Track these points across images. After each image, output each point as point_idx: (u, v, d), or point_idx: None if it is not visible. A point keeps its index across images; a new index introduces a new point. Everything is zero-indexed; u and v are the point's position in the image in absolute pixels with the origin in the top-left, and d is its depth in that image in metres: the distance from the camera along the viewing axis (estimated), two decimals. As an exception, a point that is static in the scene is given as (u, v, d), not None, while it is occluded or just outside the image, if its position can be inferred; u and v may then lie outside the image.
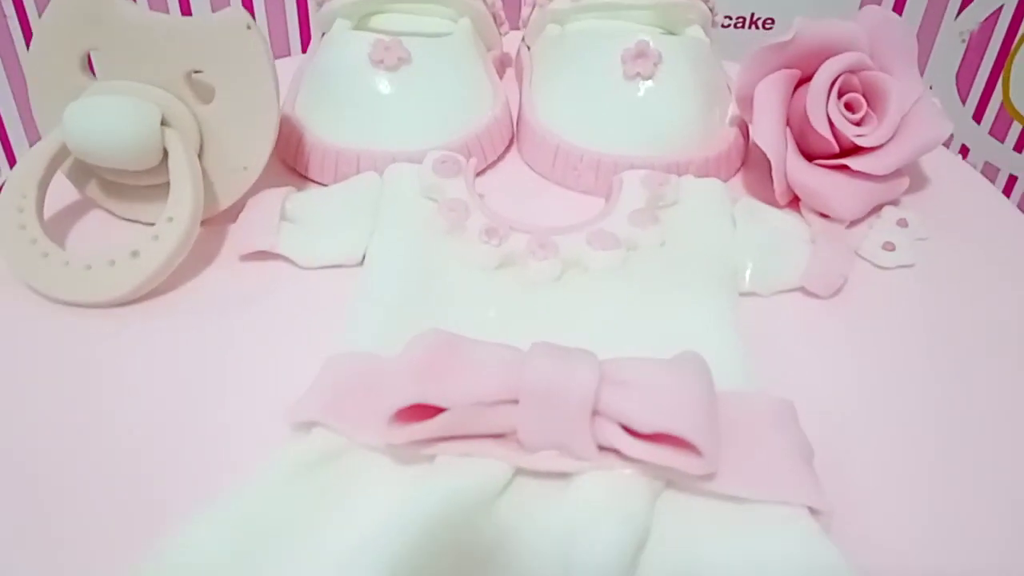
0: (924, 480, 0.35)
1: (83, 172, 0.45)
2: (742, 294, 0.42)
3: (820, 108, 0.46)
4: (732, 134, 0.50)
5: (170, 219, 0.41)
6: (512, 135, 0.53)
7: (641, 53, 0.49)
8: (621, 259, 0.42)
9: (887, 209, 0.48)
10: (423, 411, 0.32)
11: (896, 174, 0.47)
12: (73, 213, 0.47)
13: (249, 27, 0.43)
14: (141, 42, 0.43)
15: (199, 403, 0.36)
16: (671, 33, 0.54)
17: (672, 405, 0.31)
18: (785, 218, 0.45)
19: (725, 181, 0.50)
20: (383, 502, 0.32)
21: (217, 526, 0.30)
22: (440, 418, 0.32)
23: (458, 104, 0.50)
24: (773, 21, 0.92)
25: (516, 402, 0.32)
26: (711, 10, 0.57)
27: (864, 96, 0.47)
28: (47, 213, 0.46)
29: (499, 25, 0.58)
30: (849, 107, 0.47)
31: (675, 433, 0.30)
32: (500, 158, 0.53)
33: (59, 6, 0.44)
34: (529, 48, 0.58)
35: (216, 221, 0.45)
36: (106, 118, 0.42)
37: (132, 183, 0.44)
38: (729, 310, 0.40)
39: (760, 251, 0.43)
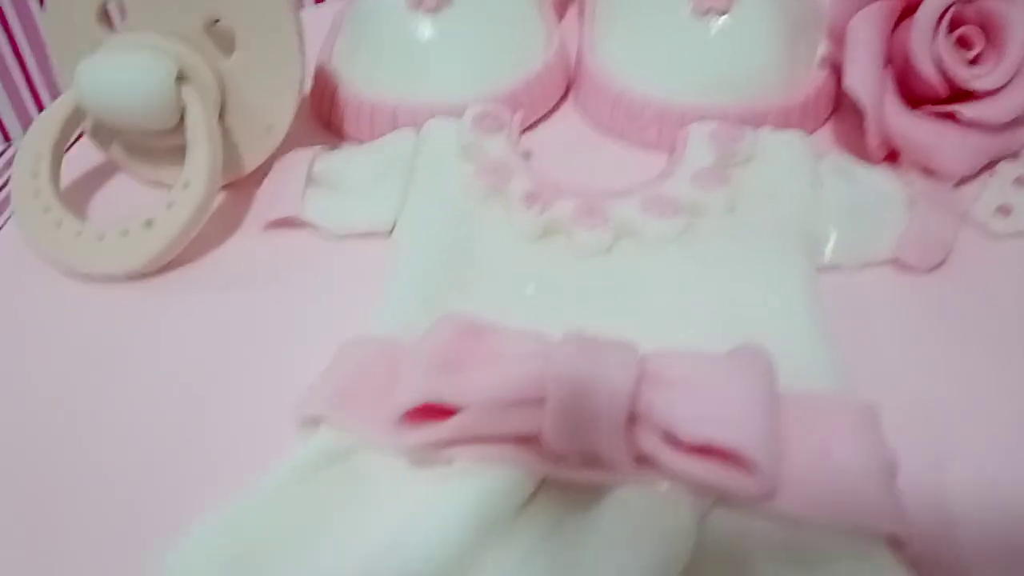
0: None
1: (106, 133, 0.43)
2: (825, 268, 0.36)
3: (926, 45, 0.39)
4: (820, 77, 0.44)
5: (186, 185, 0.38)
6: (568, 83, 0.48)
7: (714, -17, 0.42)
8: (681, 228, 0.37)
9: (1004, 165, 0.40)
10: (438, 409, 0.28)
11: (1016, 123, 0.40)
12: (98, 176, 0.44)
13: (268, -29, 0.38)
14: (163, -11, 0.40)
15: (210, 392, 0.34)
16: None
17: (724, 411, 0.26)
18: (879, 177, 0.39)
19: (811, 132, 0.44)
20: (394, 513, 0.28)
21: (217, 538, 0.27)
22: (455, 419, 0.28)
23: (506, 50, 0.45)
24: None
25: (542, 401, 0.27)
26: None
27: (980, 29, 0.40)
28: (70, 175, 0.44)
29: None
30: (962, 43, 0.40)
31: (726, 446, 0.26)
32: (554, 109, 0.47)
33: (73, -46, 0.40)
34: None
35: (243, 184, 0.42)
36: (118, 75, 0.39)
37: (155, 144, 0.41)
38: (808, 289, 0.34)
39: (847, 216, 0.37)
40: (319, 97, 0.47)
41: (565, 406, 0.27)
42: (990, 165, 0.41)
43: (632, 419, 0.27)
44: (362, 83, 0.45)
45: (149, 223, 0.38)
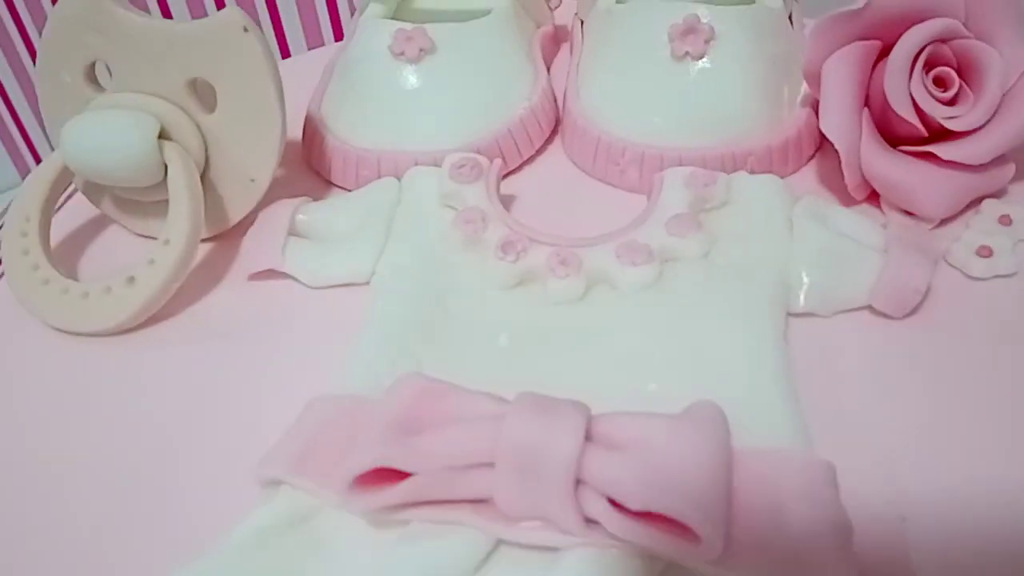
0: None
1: (96, 188, 0.44)
2: (798, 314, 0.36)
3: (901, 86, 0.38)
4: (803, 116, 0.43)
5: (166, 242, 0.39)
6: (557, 122, 0.48)
7: (690, 29, 0.42)
8: (654, 276, 0.37)
9: (988, 203, 0.40)
10: (393, 472, 0.28)
11: (999, 161, 0.39)
12: (92, 226, 0.45)
13: (246, 29, 0.39)
14: (142, 50, 0.41)
15: (182, 449, 0.34)
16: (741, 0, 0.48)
17: (670, 477, 0.26)
18: (855, 221, 0.38)
19: (795, 170, 0.44)
20: (353, 574, 0.29)
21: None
22: (406, 483, 0.28)
23: (489, 96, 0.45)
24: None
25: (493, 466, 0.27)
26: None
27: (958, 69, 0.39)
28: (67, 226, 0.45)
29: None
30: (939, 83, 0.39)
31: (668, 514, 0.25)
32: (543, 148, 0.48)
33: (59, 18, 0.42)
34: (583, 23, 0.52)
35: (229, 235, 0.43)
36: (101, 135, 0.40)
37: (143, 198, 0.42)
38: (776, 340, 0.34)
39: (820, 263, 0.36)
40: (309, 144, 0.47)
41: (514, 471, 0.27)
42: (975, 203, 0.40)
43: (580, 482, 0.27)
44: (347, 132, 0.46)
45: (131, 280, 0.38)
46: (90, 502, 0.33)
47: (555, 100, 0.49)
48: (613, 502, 0.26)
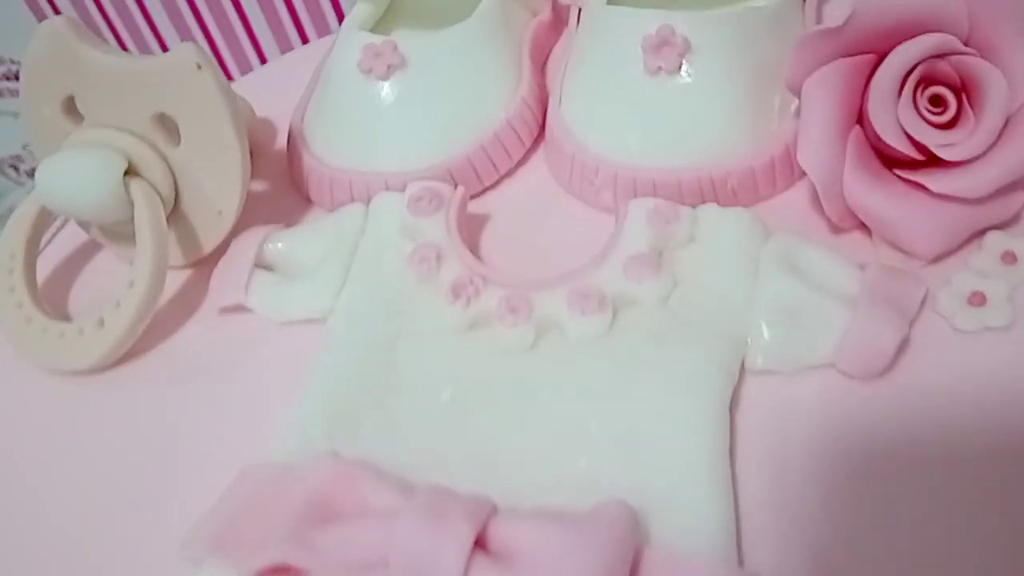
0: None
1: (83, 217, 0.45)
2: (757, 373, 0.34)
3: (888, 110, 0.34)
4: (790, 132, 0.39)
5: (131, 284, 0.39)
6: (543, 130, 0.46)
7: (664, 42, 0.39)
8: (605, 326, 0.35)
9: (992, 237, 0.36)
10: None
11: (1001, 192, 0.35)
12: (86, 252, 0.47)
13: (200, 66, 0.39)
14: (110, 86, 0.41)
15: (141, 494, 0.36)
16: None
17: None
18: (830, 262, 0.35)
19: (785, 188, 0.40)
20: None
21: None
22: (304, 580, 0.28)
23: (462, 111, 0.43)
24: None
25: (387, 566, 0.27)
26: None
27: (962, 84, 0.35)
28: (60, 253, 0.46)
29: (547, -16, 0.50)
30: (936, 102, 0.35)
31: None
32: (526, 159, 0.45)
33: (31, 56, 0.42)
34: (580, 12, 0.49)
35: (204, 262, 0.43)
36: (69, 176, 0.40)
37: (124, 229, 0.43)
38: (721, 411, 0.32)
39: (782, 317, 0.34)
40: (290, 160, 0.47)
41: (405, 574, 0.27)
42: (979, 233, 0.36)
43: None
44: (322, 150, 0.45)
45: (100, 323, 0.39)
46: (48, 540, 0.35)
47: (540, 105, 0.46)
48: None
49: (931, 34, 0.34)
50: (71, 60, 0.41)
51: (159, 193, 0.41)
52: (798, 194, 0.40)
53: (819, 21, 0.46)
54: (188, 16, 0.97)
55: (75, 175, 0.40)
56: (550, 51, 0.51)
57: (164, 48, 0.98)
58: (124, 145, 0.41)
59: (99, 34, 0.99)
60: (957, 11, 0.34)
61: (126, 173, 0.40)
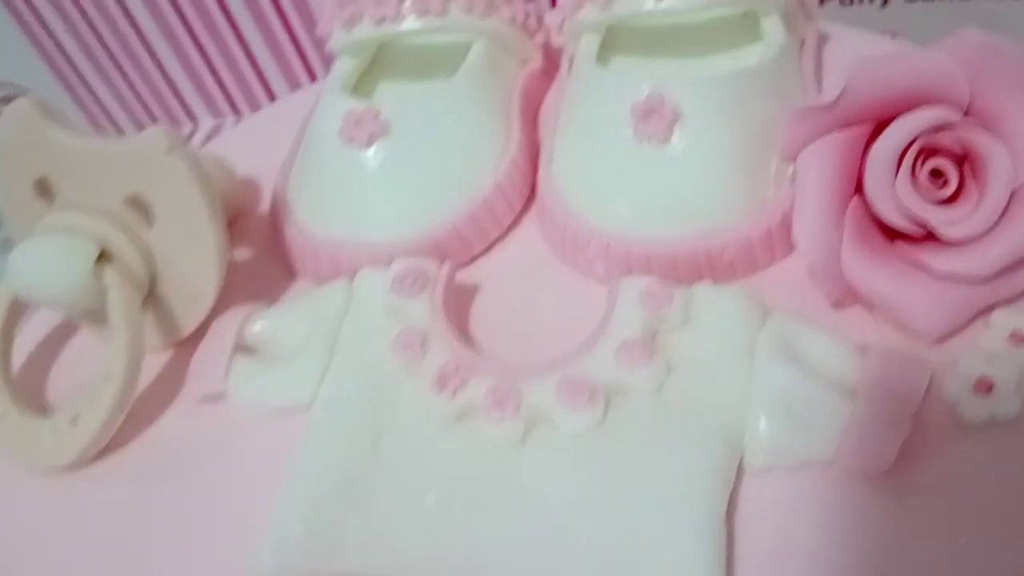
0: None
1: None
2: (756, 470, 0.32)
3: (885, 187, 0.33)
4: (788, 198, 0.38)
5: (106, 378, 0.38)
6: (534, 189, 0.44)
7: (653, 110, 0.37)
8: (596, 419, 0.34)
9: (1000, 315, 0.34)
10: None
11: (1014, 265, 0.33)
12: (63, 332, 0.46)
13: (170, 150, 0.37)
14: (81, 168, 0.40)
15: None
16: (736, 44, 0.42)
17: None
18: (830, 348, 0.34)
19: (784, 256, 0.39)
20: None
21: None
22: None
23: (448, 177, 0.42)
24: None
25: None
26: (798, -10, 0.43)
27: (963, 156, 0.33)
28: (39, 333, 0.45)
29: (532, 34, 0.48)
30: (937, 174, 0.33)
31: None
32: (518, 221, 0.44)
33: (1, 136, 0.41)
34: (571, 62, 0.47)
35: (184, 345, 0.42)
36: (39, 265, 0.39)
37: (101, 311, 0.42)
38: (717, 517, 0.31)
39: (780, 412, 0.32)
40: (272, 228, 0.46)
41: None
42: (986, 309, 0.34)
43: None
44: (306, 219, 0.44)
45: (75, 419, 0.38)
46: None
47: (531, 163, 0.44)
48: None
49: (929, 108, 0.32)
50: (40, 141, 0.40)
51: (133, 277, 0.40)
52: (798, 261, 0.38)
53: (818, 72, 0.44)
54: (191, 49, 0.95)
55: (45, 264, 0.39)
56: (542, 100, 0.49)
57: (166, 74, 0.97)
58: (96, 229, 0.39)
59: (99, 67, 0.98)
60: (956, 81, 0.32)
61: (99, 258, 0.39)
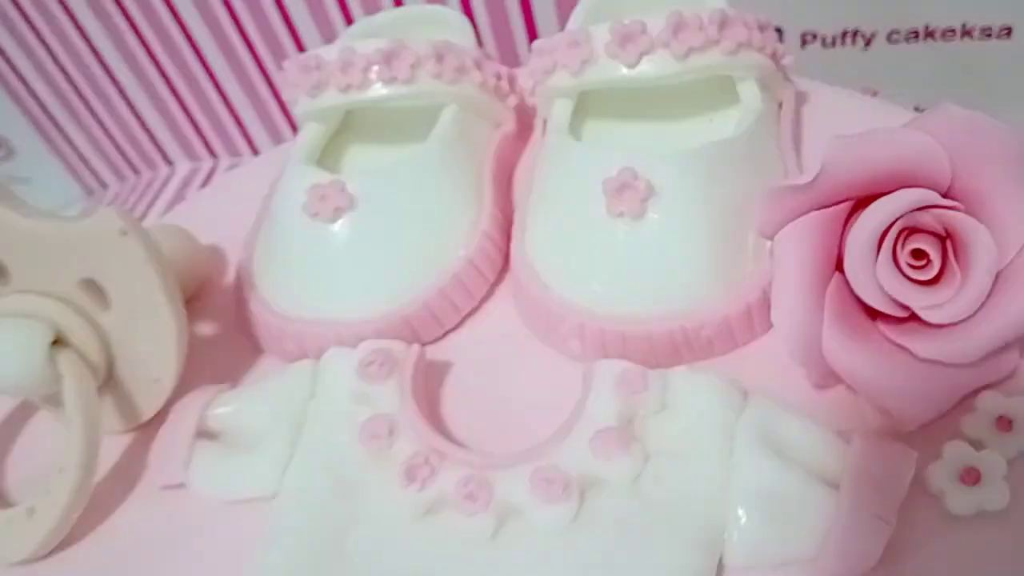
0: None
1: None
2: (736, 569, 0.31)
3: (866, 269, 0.32)
4: (767, 275, 0.37)
5: (61, 469, 0.37)
6: (507, 259, 0.43)
7: (626, 185, 0.36)
8: (571, 515, 0.32)
9: (986, 398, 0.32)
10: None
11: (999, 349, 0.32)
12: (21, 413, 0.44)
13: (124, 232, 0.36)
14: (35, 250, 0.38)
15: None
16: (713, 107, 0.41)
17: None
18: (811, 436, 0.32)
19: (764, 332, 0.37)
20: None
21: None
22: None
23: (417, 252, 0.41)
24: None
25: None
26: (773, 54, 0.42)
27: (945, 235, 0.32)
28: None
29: (505, 97, 0.47)
30: (919, 255, 0.32)
31: None
32: (491, 292, 0.43)
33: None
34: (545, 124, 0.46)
35: (147, 425, 0.40)
36: (-8, 350, 0.37)
37: (58, 395, 0.40)
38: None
39: (761, 504, 0.31)
40: (236, 302, 0.44)
41: None
42: (973, 393, 0.33)
43: None
44: (270, 294, 0.42)
45: (31, 512, 0.37)
46: None
47: (504, 233, 0.43)
48: None
49: (909, 190, 0.31)
50: (-6, 222, 0.38)
51: (89, 362, 0.38)
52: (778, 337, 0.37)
53: (796, 135, 0.43)
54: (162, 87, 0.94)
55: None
56: (516, 162, 0.48)
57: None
58: (50, 313, 0.38)
59: (72, 111, 0.97)
60: (938, 160, 0.31)
61: (54, 343, 0.38)
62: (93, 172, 1.04)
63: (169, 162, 1.01)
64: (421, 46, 0.43)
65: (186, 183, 0.99)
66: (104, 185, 1.06)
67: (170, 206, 0.97)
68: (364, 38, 0.46)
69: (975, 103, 0.74)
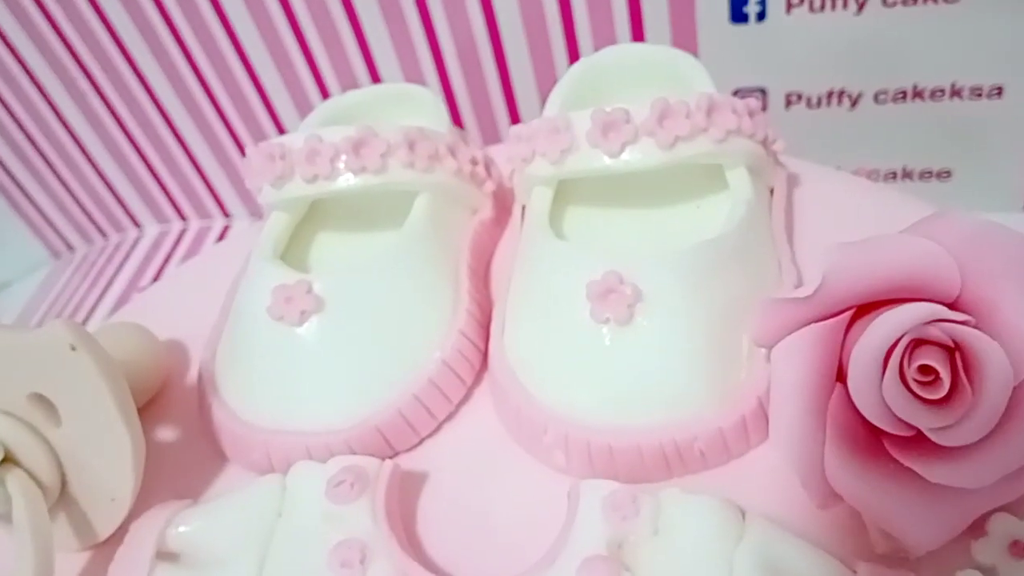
0: None
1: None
2: None
3: (871, 389, 0.30)
4: (765, 378, 0.35)
5: (8, 600, 0.34)
6: (486, 359, 0.40)
7: (611, 290, 0.34)
8: (558, 658, 0.30)
9: (998, 520, 0.31)
10: None
11: (1013, 472, 0.30)
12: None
13: (74, 348, 0.33)
14: (-20, 362, 0.36)
15: None
16: (701, 193, 0.40)
17: None
18: (813, 566, 0.30)
19: (760, 442, 0.35)
20: None
21: None
22: None
23: (389, 355, 0.38)
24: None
25: None
26: (764, 141, 0.40)
27: (954, 347, 0.30)
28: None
29: (481, 183, 0.45)
30: (927, 371, 0.30)
31: None
32: (469, 394, 0.40)
33: None
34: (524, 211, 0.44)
35: (105, 543, 0.38)
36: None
37: (8, 511, 0.37)
38: None
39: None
40: (200, 405, 0.41)
41: None
42: (985, 517, 0.31)
43: None
44: (235, 400, 0.40)
45: (-27, 649, 0.34)
46: None
47: (482, 330, 0.41)
48: None
49: (916, 304, 0.29)
50: (-65, 335, 0.36)
51: (40, 481, 0.35)
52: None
53: (789, 222, 0.41)
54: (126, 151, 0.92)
55: (-61, 472, 0.35)
56: (495, 249, 0.46)
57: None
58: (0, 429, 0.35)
59: (35, 173, 0.94)
60: (946, 270, 0.29)
61: (2, 462, 0.35)
62: (60, 235, 1.01)
63: (138, 225, 0.98)
64: (392, 133, 0.41)
65: (156, 245, 0.96)
66: (71, 248, 1.03)
67: (139, 271, 0.94)
68: (332, 122, 0.45)
69: (965, 163, 0.73)
